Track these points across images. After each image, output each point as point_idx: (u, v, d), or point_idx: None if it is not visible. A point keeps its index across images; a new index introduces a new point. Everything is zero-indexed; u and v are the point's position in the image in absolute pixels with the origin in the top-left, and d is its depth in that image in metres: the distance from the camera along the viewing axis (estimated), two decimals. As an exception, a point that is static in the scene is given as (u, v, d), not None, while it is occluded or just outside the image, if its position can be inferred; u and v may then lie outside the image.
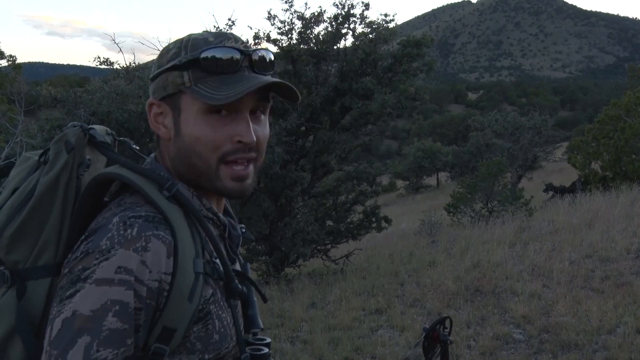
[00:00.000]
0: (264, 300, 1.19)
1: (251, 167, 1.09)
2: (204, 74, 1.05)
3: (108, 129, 1.26)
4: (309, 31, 9.94)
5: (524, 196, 14.48)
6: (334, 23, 9.95)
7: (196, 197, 1.10)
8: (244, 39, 1.12)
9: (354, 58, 9.81)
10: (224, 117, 1.05)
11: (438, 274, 7.99)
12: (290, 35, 9.91)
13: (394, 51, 10.23)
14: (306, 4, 9.95)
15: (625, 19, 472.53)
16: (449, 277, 7.73)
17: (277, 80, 1.06)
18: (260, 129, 1.09)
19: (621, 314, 5.87)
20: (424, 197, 32.83)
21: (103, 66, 9.72)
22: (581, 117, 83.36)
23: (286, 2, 9.80)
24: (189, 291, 0.99)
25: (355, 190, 10.85)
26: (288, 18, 9.90)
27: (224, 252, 1.13)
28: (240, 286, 1.09)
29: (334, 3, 9.91)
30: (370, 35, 10.04)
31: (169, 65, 1.07)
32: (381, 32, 9.98)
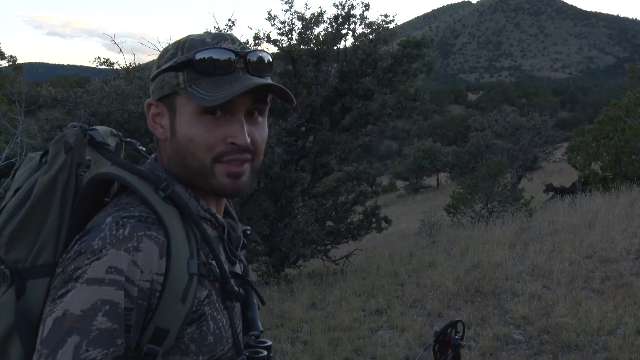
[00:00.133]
0: (262, 302, 1.18)
1: (246, 166, 1.09)
2: (198, 75, 1.05)
3: (113, 130, 1.27)
4: (309, 32, 9.94)
5: (524, 197, 14.48)
6: (334, 23, 9.95)
7: (193, 198, 1.10)
8: (243, 39, 1.11)
9: (354, 58, 9.81)
10: (219, 119, 1.05)
11: (438, 275, 7.99)
12: (290, 35, 9.91)
13: (394, 52, 10.23)
14: (306, 4, 9.95)
15: (625, 19, 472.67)
16: (449, 277, 7.73)
17: (268, 82, 1.06)
18: (257, 131, 1.09)
19: (621, 314, 5.87)
20: (424, 198, 32.83)
21: (103, 67, 9.72)
22: (581, 117, 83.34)
23: (286, 3, 9.80)
24: (182, 292, 0.99)
25: (355, 190, 10.84)
26: (288, 18, 9.91)
27: (222, 254, 1.13)
28: (236, 288, 1.08)
29: (334, 3, 9.91)
30: (370, 36, 10.04)
31: (166, 66, 1.08)
32: (381, 33, 9.98)
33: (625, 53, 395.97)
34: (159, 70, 1.09)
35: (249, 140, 1.06)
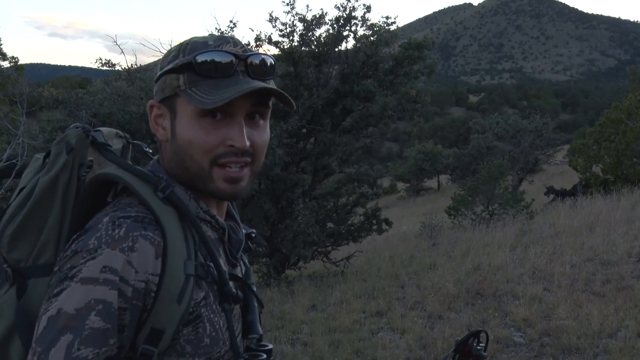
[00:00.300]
0: (261, 305, 1.18)
1: (246, 170, 1.08)
2: (198, 77, 1.05)
3: (120, 131, 1.27)
4: (310, 33, 9.95)
5: (524, 199, 14.48)
6: (335, 25, 9.96)
7: (193, 200, 1.10)
8: (245, 41, 1.11)
9: (355, 60, 9.82)
10: (219, 121, 1.05)
11: (439, 277, 7.98)
12: (291, 37, 9.92)
13: (395, 54, 10.24)
14: (307, 6, 9.97)
15: (627, 22, 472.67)
16: (449, 279, 7.73)
17: (266, 85, 1.05)
18: (258, 134, 1.09)
19: (622, 317, 5.87)
20: (425, 200, 32.83)
21: (105, 68, 9.71)
22: (582, 120, 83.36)
23: (288, 5, 9.81)
24: (178, 293, 0.99)
25: (356, 192, 10.84)
26: (289, 20, 9.92)
27: (222, 255, 1.13)
28: (234, 290, 1.08)
29: (336, 5, 9.92)
30: (372, 38, 10.04)
31: (168, 67, 1.08)
32: (382, 35, 9.99)
33: (627, 55, 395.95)
34: (161, 71, 1.10)
35: (248, 143, 1.05)
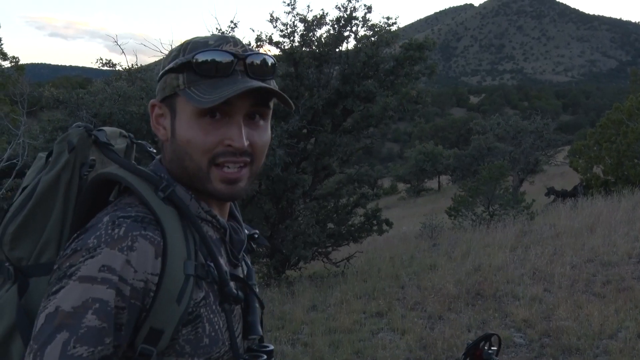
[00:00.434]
0: (261, 306, 1.18)
1: (245, 171, 1.08)
2: (197, 77, 1.05)
3: (123, 131, 1.27)
4: (311, 34, 9.95)
5: (525, 200, 14.47)
6: (336, 26, 9.96)
7: (194, 200, 1.10)
8: (245, 41, 1.11)
9: (356, 61, 9.82)
10: (217, 121, 1.05)
11: (439, 278, 7.98)
12: (292, 37, 9.92)
13: (396, 54, 10.24)
14: (308, 6, 9.97)
15: (628, 23, 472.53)
16: (450, 280, 7.72)
17: (263, 85, 1.04)
18: (258, 135, 1.08)
19: (622, 318, 5.87)
20: (425, 200, 32.84)
21: (105, 68, 9.71)
22: (583, 121, 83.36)
23: (288, 5, 9.81)
24: (177, 293, 0.99)
25: (357, 193, 10.84)
26: (290, 20, 9.92)
27: (224, 256, 1.13)
28: (235, 291, 1.08)
29: (336, 6, 9.93)
30: (373, 38, 10.04)
31: (168, 67, 1.08)
32: (383, 35, 9.99)
33: (628, 56, 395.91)
34: (162, 71, 1.10)
35: (246, 143, 1.05)
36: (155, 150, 1.26)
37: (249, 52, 1.07)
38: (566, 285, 7.21)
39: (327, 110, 9.85)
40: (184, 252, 1.02)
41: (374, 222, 10.49)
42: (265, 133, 1.10)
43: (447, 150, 39.46)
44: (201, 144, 1.05)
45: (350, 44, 10.23)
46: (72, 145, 1.14)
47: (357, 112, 10.08)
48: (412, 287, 7.84)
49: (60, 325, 0.91)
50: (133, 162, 1.25)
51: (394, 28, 10.34)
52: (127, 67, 9.65)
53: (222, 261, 1.11)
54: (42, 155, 1.21)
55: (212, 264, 1.06)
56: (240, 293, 1.10)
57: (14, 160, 7.43)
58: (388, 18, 10.27)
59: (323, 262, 10.15)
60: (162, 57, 1.18)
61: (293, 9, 9.84)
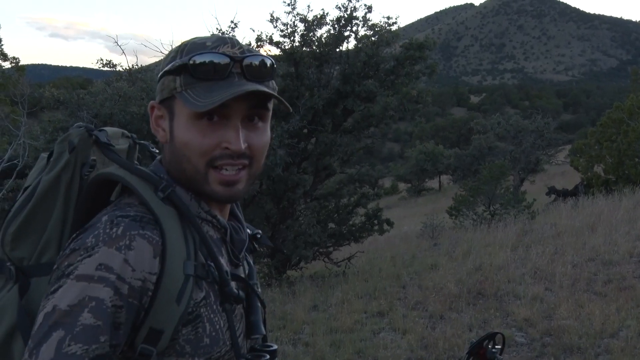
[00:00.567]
0: (263, 306, 1.18)
1: (243, 173, 1.08)
2: (194, 79, 1.04)
3: (126, 132, 1.27)
4: (311, 34, 9.95)
5: (526, 199, 14.46)
6: (336, 26, 9.96)
7: (194, 200, 1.10)
8: (246, 41, 1.11)
9: (357, 61, 9.81)
10: (215, 123, 1.04)
11: (440, 277, 7.98)
12: (292, 37, 9.92)
13: (396, 54, 10.23)
14: (309, 6, 9.97)
15: (629, 22, 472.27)
16: (451, 280, 7.72)
17: (257, 89, 1.03)
18: (256, 137, 1.08)
19: (624, 317, 5.86)
20: (426, 200, 32.83)
21: (106, 68, 9.72)
22: (584, 120, 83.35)
23: (289, 5, 9.81)
24: (177, 293, 0.99)
25: (358, 192, 10.84)
26: (290, 20, 9.92)
27: (224, 255, 1.13)
28: (235, 291, 1.08)
29: (337, 5, 9.93)
30: (373, 38, 10.04)
31: (166, 68, 1.08)
32: (384, 35, 9.99)
33: (629, 55, 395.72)
34: (161, 72, 1.10)
35: (244, 146, 1.05)
36: (157, 151, 1.26)
37: (247, 54, 1.06)
38: (567, 284, 7.21)
39: (328, 110, 9.84)
40: (183, 252, 1.02)
41: (375, 221, 10.49)
42: (264, 135, 1.10)
43: (448, 149, 39.42)
44: (198, 146, 1.04)
45: (351, 43, 10.24)
46: (72, 146, 1.14)
47: (358, 112, 10.08)
48: (413, 286, 7.84)
49: (56, 323, 0.91)
50: (135, 162, 1.25)
51: (394, 28, 10.33)
52: (128, 68, 9.65)
53: (223, 261, 1.11)
54: (44, 155, 1.21)
55: (212, 264, 1.06)
56: (241, 293, 1.10)
57: (15, 161, 7.42)
58: (388, 18, 10.28)
59: (324, 262, 10.15)
60: (162, 58, 1.18)
61: (293, 9, 9.85)
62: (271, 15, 10.00)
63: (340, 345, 5.81)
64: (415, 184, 38.19)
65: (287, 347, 5.87)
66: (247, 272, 1.20)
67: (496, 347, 1.50)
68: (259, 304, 1.16)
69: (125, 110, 8.46)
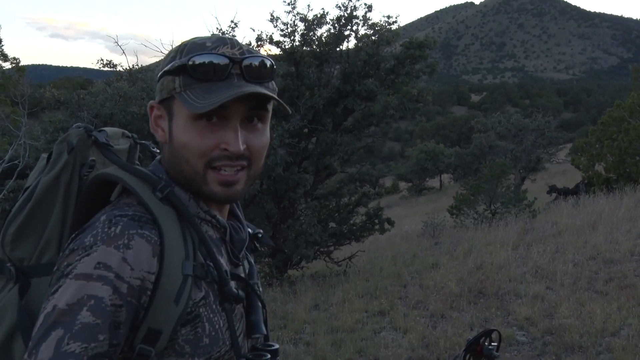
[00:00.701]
0: (263, 305, 1.17)
1: (242, 174, 1.08)
2: (193, 80, 1.04)
3: (126, 132, 1.27)
4: (311, 33, 9.95)
5: (527, 198, 14.45)
6: (336, 25, 9.96)
7: (193, 200, 1.10)
8: (246, 41, 1.10)
9: (357, 60, 9.81)
10: (214, 124, 1.04)
11: (441, 276, 7.98)
12: (292, 37, 9.92)
13: (396, 53, 10.23)
14: (309, 6, 9.97)
15: (629, 20, 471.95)
16: (452, 279, 7.72)
17: (255, 91, 1.03)
18: (255, 138, 1.08)
19: (625, 316, 5.86)
20: (427, 199, 32.81)
21: (106, 68, 9.72)
22: (585, 118, 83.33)
23: (289, 4, 9.81)
24: (175, 293, 0.99)
25: (358, 192, 10.85)
26: (291, 20, 9.92)
27: (224, 255, 1.13)
28: (235, 290, 1.07)
29: (337, 5, 9.92)
30: (373, 37, 10.04)
31: (165, 69, 1.07)
32: (384, 34, 9.98)
33: (629, 54, 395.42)
34: (160, 72, 1.09)
35: (242, 147, 1.04)
36: (158, 151, 1.26)
37: (246, 55, 1.06)
38: (568, 283, 7.20)
39: (328, 110, 9.84)
40: (182, 252, 1.02)
41: (376, 221, 10.49)
42: (263, 136, 1.09)
43: (449, 148, 39.39)
44: (197, 147, 1.04)
45: (351, 43, 10.24)
46: (71, 146, 1.14)
47: (358, 111, 10.08)
48: (414, 285, 7.84)
49: (55, 322, 0.91)
50: (136, 162, 1.25)
51: (394, 27, 10.33)
52: (128, 68, 9.65)
53: (223, 260, 1.11)
54: (45, 156, 1.21)
55: (211, 264, 1.06)
56: (240, 292, 1.10)
57: (16, 162, 7.42)
58: (388, 17, 10.29)
59: (325, 261, 10.15)
60: (162, 58, 1.17)
61: (293, 8, 9.85)
62: (271, 15, 10.01)
63: (341, 344, 5.81)
64: (416, 183, 38.15)
65: (288, 347, 5.87)
66: (247, 271, 1.20)
67: (492, 344, 1.52)
68: (259, 303, 1.16)
69: (125, 110, 8.46)
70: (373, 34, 10.09)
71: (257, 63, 1.06)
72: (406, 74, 10.17)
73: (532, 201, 14.10)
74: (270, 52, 10.05)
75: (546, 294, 6.90)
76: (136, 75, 9.55)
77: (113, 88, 9.02)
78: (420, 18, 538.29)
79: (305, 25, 9.91)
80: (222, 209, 1.16)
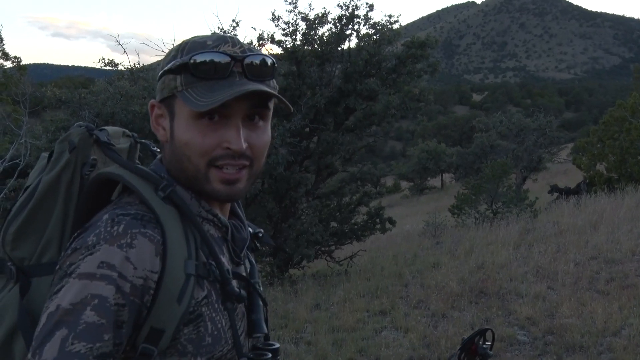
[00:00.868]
0: (264, 304, 1.17)
1: (243, 172, 1.07)
2: (194, 78, 1.04)
3: (127, 131, 1.27)
4: (313, 32, 9.94)
5: (528, 197, 14.44)
6: (338, 24, 9.96)
7: (195, 199, 1.10)
8: (247, 40, 1.10)
9: (358, 59, 9.81)
10: (216, 123, 1.04)
11: (442, 276, 7.98)
12: (294, 36, 9.92)
13: (398, 52, 10.23)
14: (310, 5, 9.97)
15: (631, 19, 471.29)
16: (453, 278, 7.72)
17: (258, 88, 1.03)
18: (256, 136, 1.08)
19: (626, 315, 5.86)
20: (428, 199, 32.79)
21: (107, 67, 9.73)
22: (586, 118, 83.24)
23: (290, 3, 9.81)
24: (178, 292, 0.99)
25: (360, 191, 10.84)
26: (292, 19, 9.92)
27: (226, 254, 1.13)
28: (237, 289, 1.07)
29: (338, 4, 9.92)
30: (375, 37, 10.04)
31: (166, 67, 1.07)
32: (385, 33, 9.98)
33: (631, 53, 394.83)
34: (161, 71, 1.09)
35: (245, 145, 1.04)
36: (159, 150, 1.26)
37: (248, 53, 1.06)
38: (570, 282, 7.20)
39: (330, 109, 9.84)
40: (184, 251, 1.01)
41: (377, 220, 10.48)
42: (264, 134, 1.10)
43: (450, 148, 39.34)
44: (199, 146, 1.04)
45: (352, 42, 10.24)
46: (73, 145, 1.14)
47: (360, 110, 10.08)
48: (416, 285, 7.84)
49: (59, 322, 0.91)
50: (137, 161, 1.25)
51: (396, 26, 10.33)
52: (129, 67, 9.66)
53: (224, 259, 1.11)
54: (45, 155, 1.21)
55: (213, 263, 1.05)
56: (242, 291, 1.10)
57: (17, 160, 7.43)
58: (390, 16, 10.27)
59: (326, 260, 10.15)
60: (163, 57, 1.17)
61: (295, 7, 9.85)
62: (273, 14, 10.01)
63: (342, 344, 5.81)
64: (418, 182, 38.12)
65: (289, 346, 5.87)
66: (248, 270, 1.20)
67: (486, 343, 1.53)
68: (261, 303, 1.16)
69: (127, 109, 8.47)
70: (374, 33, 10.09)
71: (258, 61, 1.06)
72: (408, 73, 10.17)
73: (533, 201, 14.09)
74: (271, 51, 10.05)
75: (547, 294, 6.90)
76: (137, 74, 9.56)
77: (114, 87, 9.04)
78: (422, 17, 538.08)
79: (306, 24, 9.90)
80: (223, 208, 1.15)
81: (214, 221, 1.12)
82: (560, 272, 7.58)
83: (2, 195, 7.34)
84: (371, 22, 10.09)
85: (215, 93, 1.01)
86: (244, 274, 1.17)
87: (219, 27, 9.39)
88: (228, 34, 1.13)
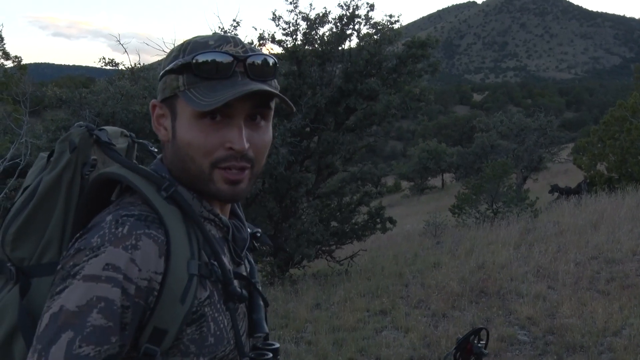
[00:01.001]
0: (265, 304, 1.17)
1: (246, 172, 1.07)
2: (197, 78, 1.04)
3: (125, 130, 1.27)
4: (313, 32, 9.95)
5: (529, 197, 14.44)
6: (338, 24, 9.96)
7: (196, 199, 1.09)
8: (248, 40, 1.10)
9: (359, 59, 9.81)
10: (218, 123, 1.04)
11: (443, 275, 7.98)
12: (295, 36, 9.93)
13: (398, 52, 10.23)
14: (311, 4, 10.00)
15: (632, 19, 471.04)
16: (453, 278, 7.72)
17: (262, 88, 1.03)
18: (258, 136, 1.07)
19: (627, 315, 5.85)
20: (429, 198, 32.78)
21: (108, 67, 9.73)
22: (587, 118, 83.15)
23: (291, 3, 9.81)
24: (181, 292, 0.99)
25: (360, 191, 10.84)
26: (293, 19, 9.93)
27: (227, 254, 1.13)
28: (239, 289, 1.07)
29: (339, 4, 9.92)
30: (375, 36, 10.04)
31: (168, 67, 1.07)
32: (386, 33, 9.98)
33: (632, 53, 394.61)
34: (162, 71, 1.09)
35: (247, 145, 1.04)
36: (156, 150, 1.25)
37: (250, 53, 1.06)
38: (570, 282, 7.20)
39: (330, 109, 9.84)
40: (187, 252, 1.01)
41: (378, 220, 10.48)
42: (266, 134, 1.10)
43: (451, 148, 39.32)
44: (202, 146, 1.04)
45: (353, 42, 10.25)
46: (73, 145, 1.13)
47: (360, 110, 10.08)
48: (416, 285, 7.84)
49: (65, 324, 0.90)
50: (135, 161, 1.25)
51: (396, 26, 10.33)
52: (130, 66, 9.67)
53: (226, 260, 1.11)
54: (44, 154, 1.21)
55: (215, 263, 1.05)
56: (244, 291, 1.09)
57: (17, 160, 7.43)
58: (391, 16, 10.28)
59: (327, 260, 10.15)
60: (164, 56, 1.17)
61: (295, 7, 9.85)
62: (273, 14, 10.02)
63: (342, 343, 5.81)
64: (418, 182, 38.10)
65: (290, 346, 5.87)
66: (248, 270, 1.20)
67: (481, 342, 1.54)
68: (261, 302, 1.16)
69: (127, 108, 8.48)
70: (375, 33, 10.10)
71: (260, 61, 1.06)
72: (408, 73, 10.17)
73: (534, 201, 14.09)
74: (272, 51, 10.05)
75: (548, 294, 6.90)
76: (138, 73, 9.56)
77: (115, 87, 9.04)
78: (423, 17, 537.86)
79: (307, 24, 9.91)
80: (224, 208, 1.15)
81: (216, 221, 1.12)
82: (561, 272, 7.57)
83: (2, 194, 7.34)
84: (372, 22, 10.10)
85: (218, 93, 1.01)
86: (244, 274, 1.17)
87: (219, 27, 9.41)
88: (229, 34, 1.13)
